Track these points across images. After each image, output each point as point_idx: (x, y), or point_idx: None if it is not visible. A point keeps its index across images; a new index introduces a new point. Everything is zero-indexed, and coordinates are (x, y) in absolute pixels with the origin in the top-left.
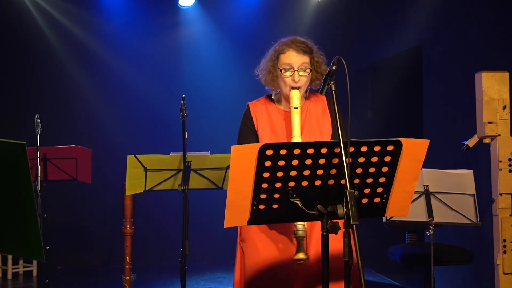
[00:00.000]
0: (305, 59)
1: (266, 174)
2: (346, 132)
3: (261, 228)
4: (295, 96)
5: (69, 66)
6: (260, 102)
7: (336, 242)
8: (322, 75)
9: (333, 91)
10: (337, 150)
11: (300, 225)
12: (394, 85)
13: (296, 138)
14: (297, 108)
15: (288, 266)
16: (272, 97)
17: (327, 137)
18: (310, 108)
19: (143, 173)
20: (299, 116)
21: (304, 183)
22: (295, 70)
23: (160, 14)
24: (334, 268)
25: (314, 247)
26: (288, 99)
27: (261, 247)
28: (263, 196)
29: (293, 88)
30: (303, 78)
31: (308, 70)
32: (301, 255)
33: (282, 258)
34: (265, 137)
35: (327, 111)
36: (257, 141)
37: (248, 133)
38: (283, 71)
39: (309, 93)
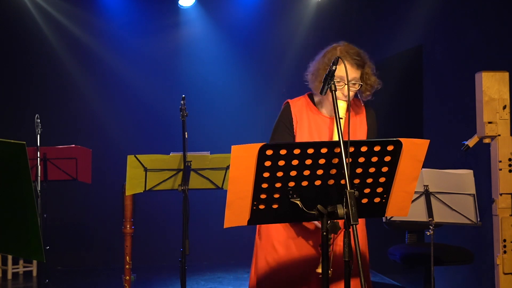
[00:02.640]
0: (357, 73)
1: (266, 174)
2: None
3: (280, 226)
4: (341, 106)
5: (69, 66)
6: (301, 102)
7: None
8: (371, 87)
9: (333, 91)
10: (337, 150)
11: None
12: (394, 85)
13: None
14: (342, 118)
15: (306, 265)
16: (314, 98)
17: None
18: (352, 119)
19: (143, 173)
20: (342, 127)
21: (304, 183)
22: (345, 84)
23: (160, 14)
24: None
25: (335, 246)
26: (332, 106)
27: (279, 245)
28: (263, 196)
29: (340, 99)
30: (351, 93)
31: (358, 85)
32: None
33: (300, 257)
34: (302, 141)
35: (365, 122)
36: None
37: (286, 133)
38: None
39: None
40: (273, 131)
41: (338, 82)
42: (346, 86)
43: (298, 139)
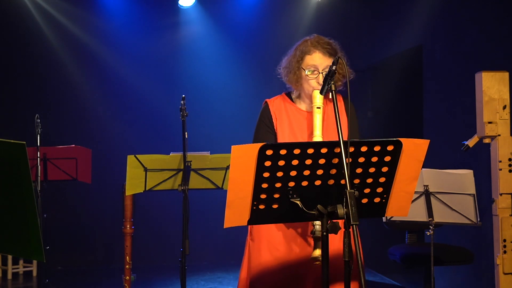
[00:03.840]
0: (330, 61)
1: (266, 174)
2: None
3: (273, 227)
4: (318, 96)
5: (69, 66)
6: (278, 100)
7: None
8: (344, 77)
9: (333, 91)
10: (337, 150)
11: (318, 226)
12: (394, 85)
13: (317, 138)
14: (319, 107)
15: (299, 265)
16: (292, 96)
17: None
18: (329, 108)
19: (143, 173)
20: (321, 116)
21: (304, 183)
22: (319, 72)
23: (160, 14)
24: (338, 267)
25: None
26: (310, 98)
27: (272, 246)
28: (263, 196)
29: (316, 89)
30: None
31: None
32: (317, 252)
33: (293, 257)
34: (284, 138)
35: (344, 113)
36: (276, 141)
37: (267, 132)
38: (307, 72)
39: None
40: (255, 131)
41: (313, 71)
42: (320, 74)
43: (280, 135)
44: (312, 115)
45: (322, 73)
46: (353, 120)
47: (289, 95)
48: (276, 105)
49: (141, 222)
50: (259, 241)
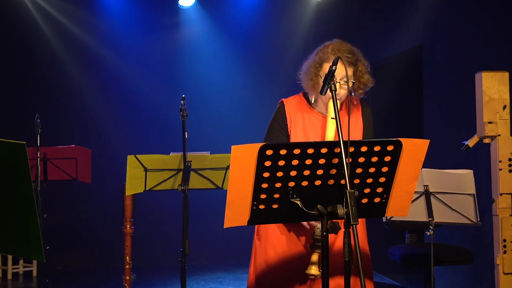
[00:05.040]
0: (349, 71)
1: (266, 174)
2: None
3: (278, 226)
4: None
5: (69, 66)
6: (295, 101)
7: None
8: (364, 85)
9: (333, 92)
10: (337, 150)
11: (318, 230)
12: (394, 85)
13: None
14: (334, 118)
15: (304, 264)
16: (309, 97)
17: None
18: (345, 116)
19: (143, 173)
20: (334, 127)
21: (304, 183)
22: (337, 81)
23: (160, 14)
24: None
25: (333, 241)
26: (326, 106)
27: (276, 243)
28: (263, 196)
29: None
30: (343, 90)
31: (350, 83)
32: (313, 271)
33: (298, 254)
34: (297, 140)
35: (360, 120)
36: (288, 142)
37: (279, 133)
38: None
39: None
40: (268, 130)
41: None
42: (338, 84)
43: (293, 138)
44: (326, 120)
45: (340, 82)
46: (368, 126)
47: (306, 95)
48: (292, 106)
49: (141, 222)
50: (266, 241)
